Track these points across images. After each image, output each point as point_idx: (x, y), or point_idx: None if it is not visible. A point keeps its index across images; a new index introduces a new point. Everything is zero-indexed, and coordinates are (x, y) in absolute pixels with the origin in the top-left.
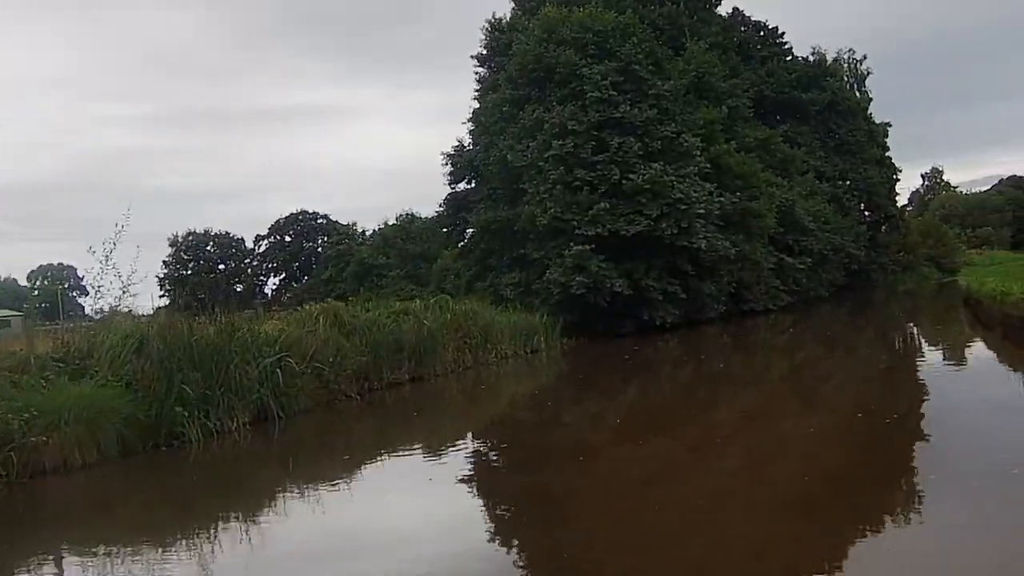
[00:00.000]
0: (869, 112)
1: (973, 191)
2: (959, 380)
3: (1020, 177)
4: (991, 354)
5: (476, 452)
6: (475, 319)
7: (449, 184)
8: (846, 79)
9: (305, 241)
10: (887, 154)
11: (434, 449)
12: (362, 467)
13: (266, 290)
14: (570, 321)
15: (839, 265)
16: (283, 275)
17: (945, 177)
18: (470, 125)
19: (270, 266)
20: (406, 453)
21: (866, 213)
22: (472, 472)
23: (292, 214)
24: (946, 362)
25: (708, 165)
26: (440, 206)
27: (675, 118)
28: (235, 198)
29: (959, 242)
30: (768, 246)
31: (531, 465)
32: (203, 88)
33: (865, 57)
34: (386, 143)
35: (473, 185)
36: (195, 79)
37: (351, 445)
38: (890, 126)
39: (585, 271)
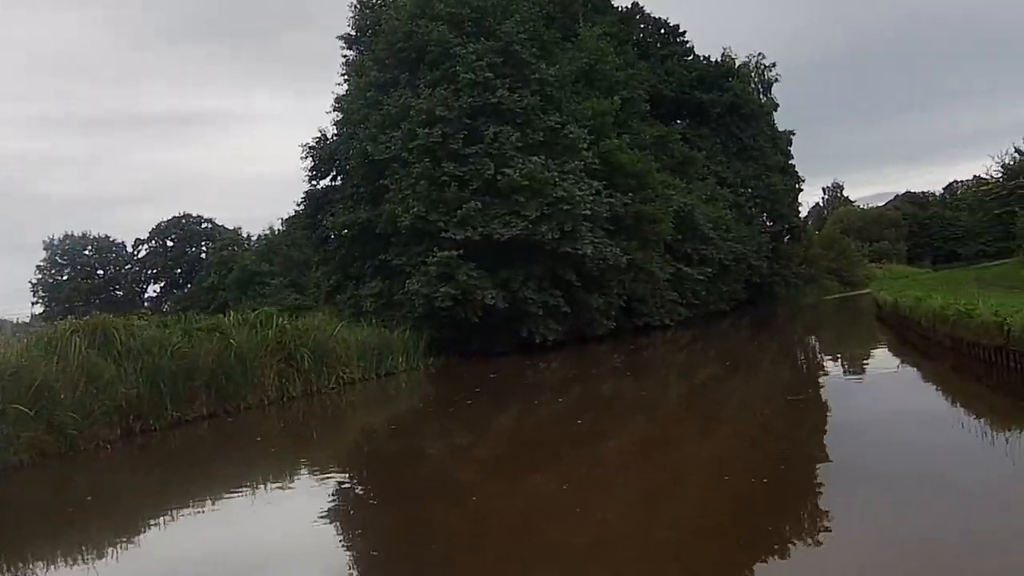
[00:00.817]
0: (773, 119)
1: (870, 206)
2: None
3: (915, 193)
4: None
5: (247, 515)
6: (306, 337)
7: (308, 180)
8: (752, 84)
9: (188, 247)
10: (791, 162)
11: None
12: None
13: (147, 297)
14: (438, 338)
15: (740, 277)
16: (164, 282)
17: (845, 192)
18: (336, 115)
19: (151, 272)
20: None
21: (768, 223)
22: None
23: (175, 217)
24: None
25: (596, 161)
26: (298, 205)
27: (560, 107)
28: (123, 205)
29: (860, 255)
30: (664, 254)
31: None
32: (93, 92)
33: (775, 64)
34: (282, 150)
35: (339, 182)
36: (84, 83)
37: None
38: (793, 134)
39: (453, 280)
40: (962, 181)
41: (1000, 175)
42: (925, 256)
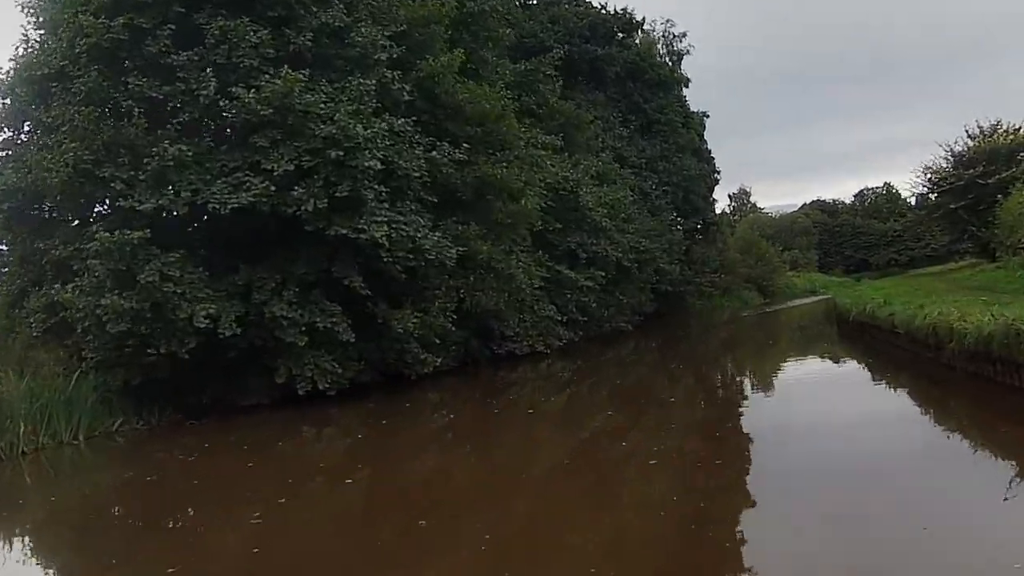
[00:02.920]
0: (684, 97)
1: (780, 213)
2: None
3: (824, 201)
4: None
5: None
6: None
7: None
8: (660, 55)
9: None
10: (706, 146)
11: None
12: None
13: None
14: (145, 385)
15: (646, 284)
16: None
17: (752, 199)
18: None
19: None
20: None
21: (680, 220)
22: None
23: None
24: None
25: (409, 89)
26: None
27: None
28: None
29: (780, 262)
30: (535, 251)
31: None
32: None
33: (685, 34)
34: None
35: None
36: None
37: None
38: (707, 116)
39: (136, 284)
40: (872, 188)
41: (949, 165)
42: (835, 265)
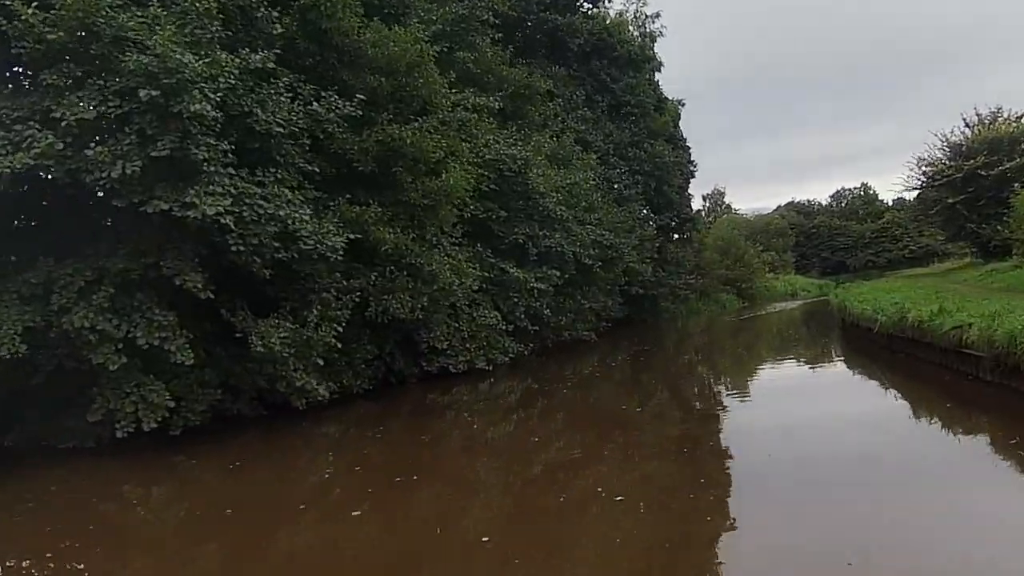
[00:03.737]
0: (657, 81)
1: (756, 214)
2: None
3: (800, 202)
4: None
5: None
6: None
7: None
8: (630, 32)
9: None
10: (681, 134)
11: None
12: None
13: None
14: None
15: (614, 286)
16: None
17: (727, 200)
18: None
19: None
20: None
21: (652, 215)
22: None
23: None
24: None
25: (285, 21)
26: None
27: None
28: None
29: (760, 263)
30: (473, 244)
31: None
32: None
33: (659, 15)
34: None
35: None
36: None
37: None
38: (683, 104)
39: None
40: (849, 189)
41: (946, 157)
42: (812, 267)
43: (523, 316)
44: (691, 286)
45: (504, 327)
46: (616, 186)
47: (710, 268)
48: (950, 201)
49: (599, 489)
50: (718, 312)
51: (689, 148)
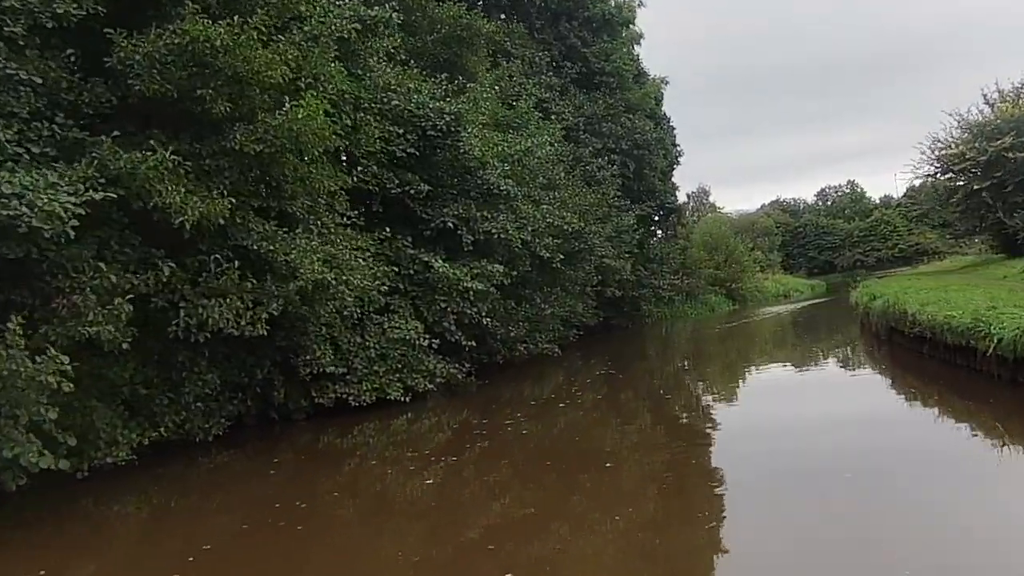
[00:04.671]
0: (638, 56)
1: (741, 213)
2: None
3: (785, 200)
4: None
5: None
6: None
7: None
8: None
9: None
10: (664, 113)
11: None
12: None
13: None
14: None
15: (584, 287)
16: None
17: (711, 199)
18: None
19: None
20: None
21: (630, 204)
22: None
23: None
24: None
25: None
26: None
27: None
28: None
29: (751, 261)
30: (378, 227)
31: None
32: None
33: None
34: None
35: None
36: None
37: None
38: (667, 83)
39: None
40: (835, 186)
41: (965, 136)
42: (799, 267)
43: (454, 327)
44: (676, 287)
45: (428, 342)
46: (588, 167)
47: (697, 267)
48: (974, 187)
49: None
50: (707, 316)
51: (674, 129)
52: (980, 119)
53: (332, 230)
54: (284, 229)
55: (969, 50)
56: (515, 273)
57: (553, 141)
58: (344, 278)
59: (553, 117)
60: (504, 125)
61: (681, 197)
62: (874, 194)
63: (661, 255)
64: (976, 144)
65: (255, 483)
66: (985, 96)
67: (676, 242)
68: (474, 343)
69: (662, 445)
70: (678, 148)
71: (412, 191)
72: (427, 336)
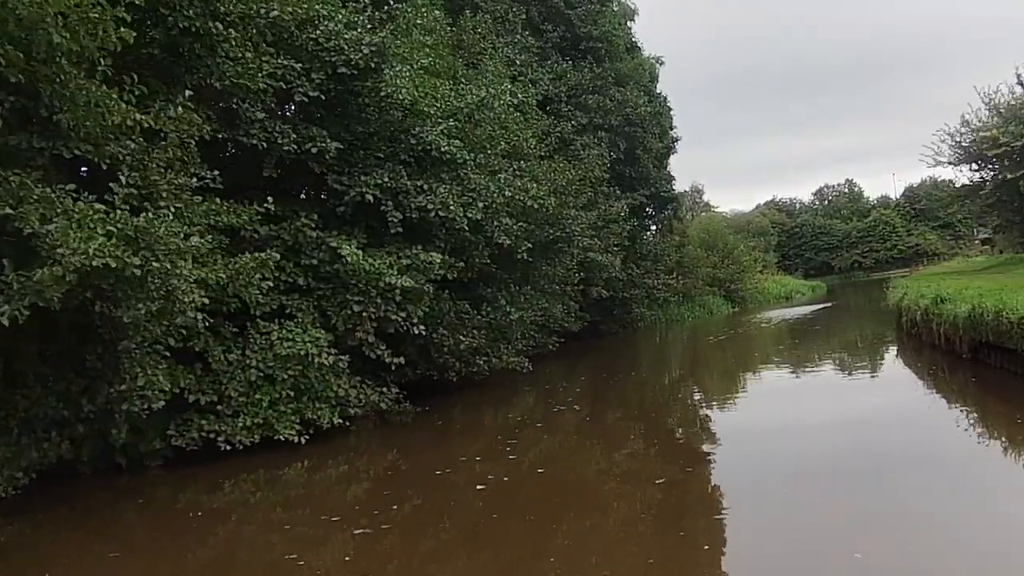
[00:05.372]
0: (631, 30)
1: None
2: None
3: (782, 200)
4: None
5: None
6: None
7: None
8: None
9: None
10: (659, 92)
11: None
12: None
13: None
14: None
15: (563, 287)
16: None
17: (705, 198)
18: None
19: None
20: None
21: (619, 191)
22: None
23: None
24: None
25: None
26: None
27: None
28: None
29: (750, 260)
30: (257, 196)
31: None
32: None
33: None
34: None
35: None
36: None
37: None
38: (662, 62)
39: None
40: (833, 186)
41: (996, 120)
42: (795, 268)
43: (373, 337)
44: (672, 287)
45: (334, 359)
46: (572, 147)
47: (694, 266)
48: (1008, 177)
49: None
50: (705, 319)
51: (671, 110)
52: (1012, 101)
53: (169, 195)
54: (65, 187)
55: (969, 50)
56: (463, 265)
57: (521, 95)
58: (168, 267)
59: (529, 85)
60: (453, 73)
61: (678, 189)
62: (872, 194)
63: (655, 252)
64: (1011, 128)
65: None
66: (1020, 76)
67: (672, 238)
68: (402, 360)
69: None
70: (675, 132)
71: (316, 151)
72: (334, 351)
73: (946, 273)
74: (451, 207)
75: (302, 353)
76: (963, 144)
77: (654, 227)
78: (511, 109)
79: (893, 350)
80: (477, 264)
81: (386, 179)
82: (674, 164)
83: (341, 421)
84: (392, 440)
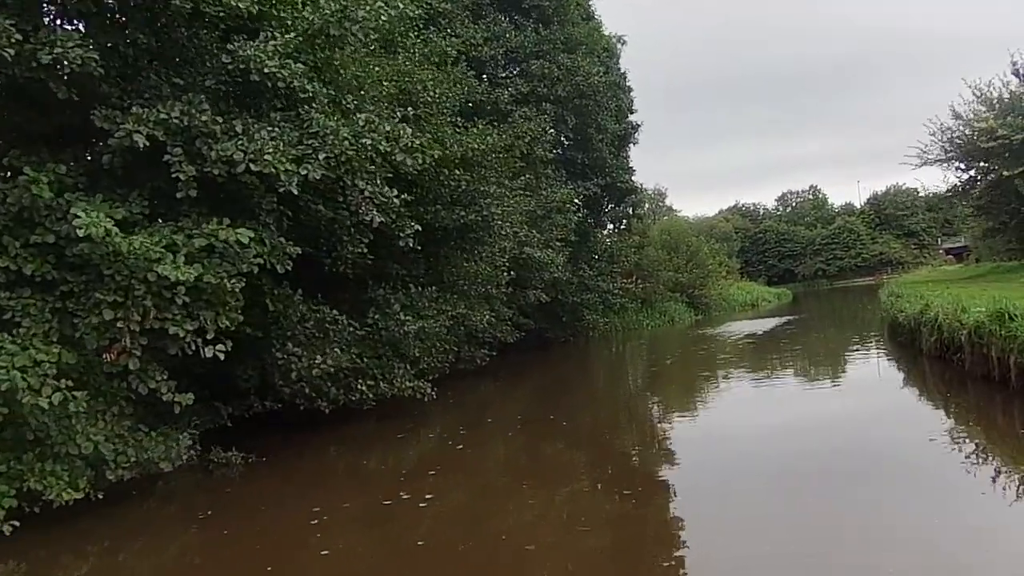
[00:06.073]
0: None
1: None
2: None
3: (744, 205)
4: None
5: None
6: None
7: None
8: None
9: None
10: (620, 71)
11: None
12: None
13: None
14: None
15: (486, 287)
16: None
17: (668, 201)
18: None
19: None
20: None
21: (572, 181)
22: None
23: None
24: None
25: None
26: None
27: None
28: None
29: (716, 264)
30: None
31: None
32: None
33: None
34: None
35: None
36: None
37: None
38: (624, 42)
39: None
40: (796, 191)
41: (986, 113)
42: (758, 275)
43: (139, 361)
44: (629, 292)
45: (73, 393)
46: (509, 120)
47: (655, 268)
48: (1003, 175)
49: None
50: (667, 329)
51: (632, 91)
52: (1004, 94)
53: None
54: None
55: (932, 62)
56: (301, 252)
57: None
58: None
59: (452, 38)
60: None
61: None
62: (837, 201)
63: (611, 251)
64: (1008, 119)
65: None
66: (1015, 65)
67: (630, 237)
68: (191, 398)
69: None
70: (635, 118)
71: (65, 63)
72: (71, 381)
73: (934, 281)
74: (267, 157)
75: (3, 388)
76: (955, 139)
77: (611, 224)
78: (404, 30)
79: (927, 396)
80: (350, 254)
81: (175, 114)
82: (636, 168)
83: (90, 491)
84: (194, 508)
